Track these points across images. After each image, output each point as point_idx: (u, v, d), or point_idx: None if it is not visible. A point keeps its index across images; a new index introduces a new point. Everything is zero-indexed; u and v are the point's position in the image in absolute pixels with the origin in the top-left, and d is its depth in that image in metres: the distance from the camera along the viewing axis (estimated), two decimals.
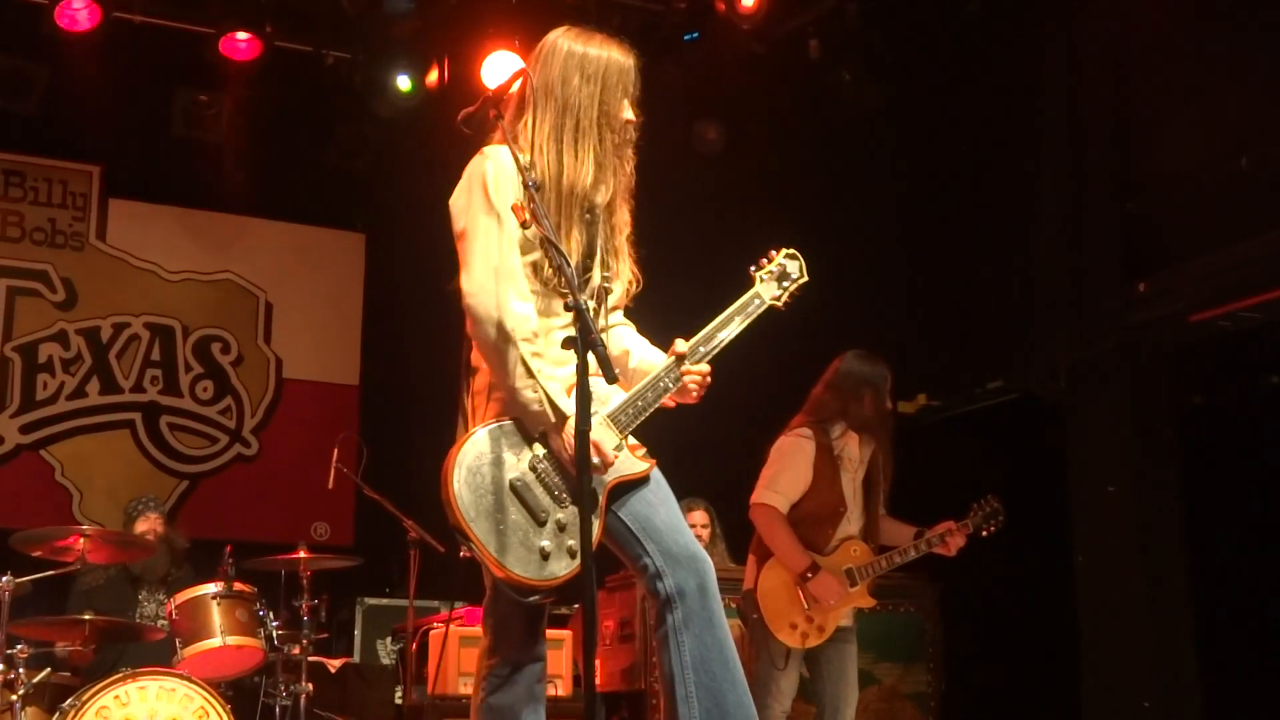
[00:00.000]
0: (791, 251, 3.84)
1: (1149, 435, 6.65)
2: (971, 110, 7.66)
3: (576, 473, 3.03)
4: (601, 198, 3.58)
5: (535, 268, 3.45)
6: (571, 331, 3.16)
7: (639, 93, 3.65)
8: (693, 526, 7.46)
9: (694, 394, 3.59)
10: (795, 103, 8.47)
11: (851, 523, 5.46)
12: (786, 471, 5.40)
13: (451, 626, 6.17)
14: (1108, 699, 6.56)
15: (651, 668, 6.38)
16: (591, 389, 3.28)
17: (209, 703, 5.74)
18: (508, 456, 3.32)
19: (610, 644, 6.65)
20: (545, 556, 3.25)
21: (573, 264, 3.38)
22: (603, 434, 3.32)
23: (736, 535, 7.74)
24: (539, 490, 3.31)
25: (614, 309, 3.73)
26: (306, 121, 8.50)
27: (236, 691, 6.09)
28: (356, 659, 7.17)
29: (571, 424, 3.21)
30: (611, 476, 3.39)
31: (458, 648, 6.24)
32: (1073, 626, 6.72)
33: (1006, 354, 7.37)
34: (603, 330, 3.58)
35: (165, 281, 8.93)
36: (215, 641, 5.95)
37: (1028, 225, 7.19)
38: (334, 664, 6.56)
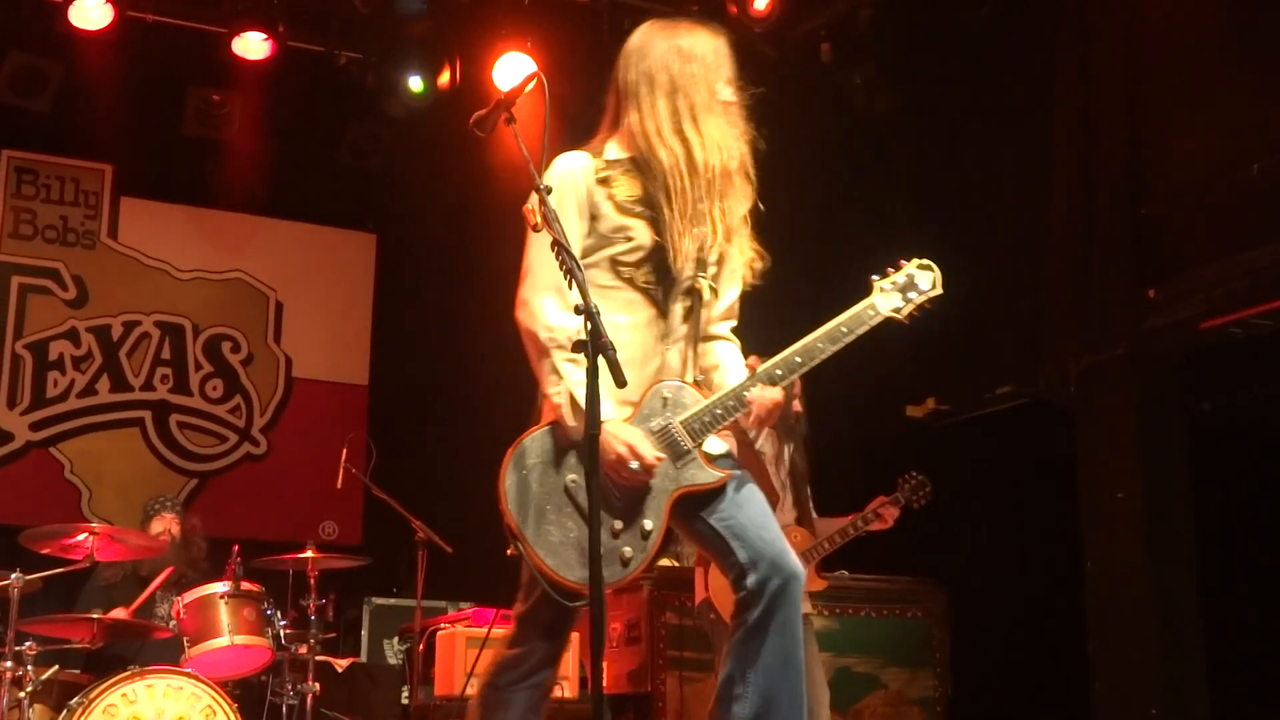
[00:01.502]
0: (925, 262, 3.73)
1: (1159, 442, 6.63)
2: (983, 115, 7.65)
3: (586, 474, 3.00)
4: (735, 169, 3.56)
5: (613, 262, 3.42)
6: (650, 328, 3.26)
7: (735, 71, 3.62)
8: None
9: (754, 419, 3.45)
10: (807, 106, 8.46)
11: (785, 512, 5.52)
12: None
13: (459, 627, 6.18)
14: (1116, 706, 6.54)
15: (659, 670, 6.39)
16: (673, 395, 3.34)
17: (216, 701, 5.75)
18: (566, 458, 3.29)
19: (617, 646, 6.64)
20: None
21: (699, 255, 3.43)
22: (634, 436, 3.26)
23: None
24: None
25: (722, 318, 3.68)
26: (318, 121, 8.52)
27: (244, 690, 6.10)
28: (364, 659, 7.16)
29: (610, 425, 3.20)
30: (677, 487, 3.32)
31: (465, 648, 6.25)
32: (1081, 633, 6.70)
33: (1016, 359, 7.37)
34: (700, 336, 3.55)
35: (176, 280, 8.94)
36: (223, 640, 5.95)
37: (1039, 230, 7.18)
38: (341, 664, 6.56)
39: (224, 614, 5.99)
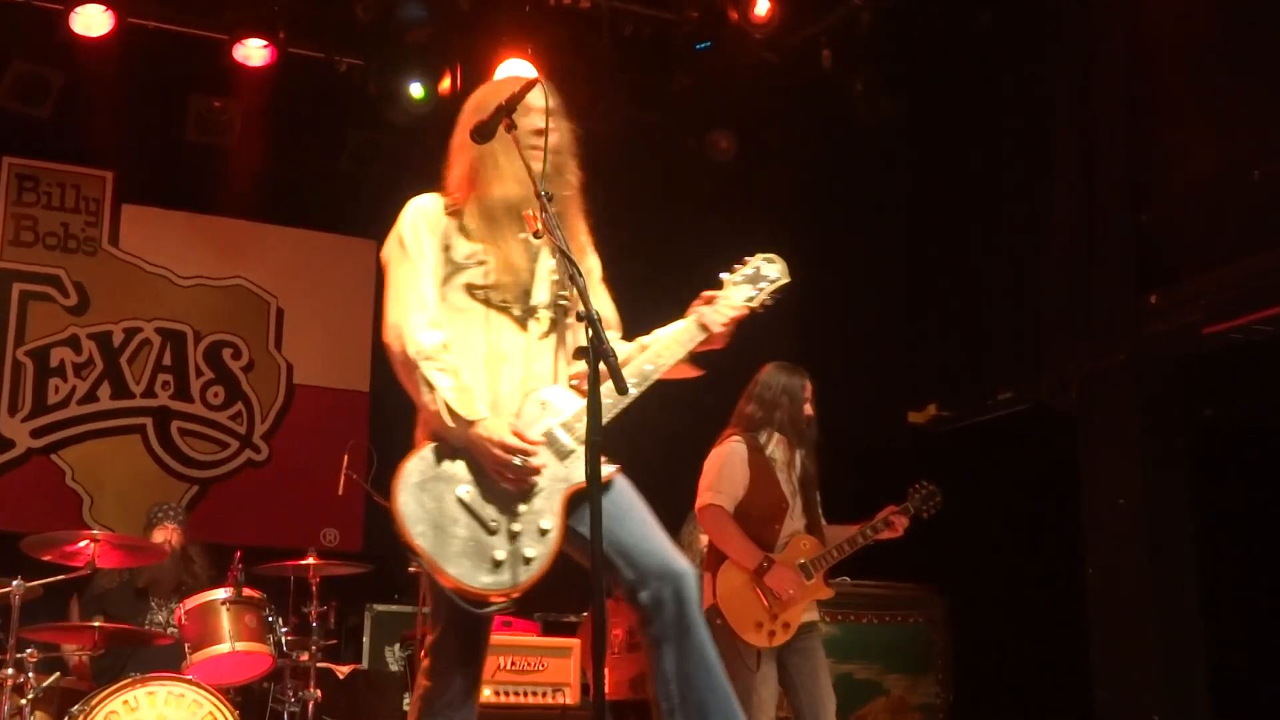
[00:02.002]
0: (770, 255, 3.81)
1: (1160, 447, 6.63)
2: (984, 121, 7.66)
3: (588, 484, 3.01)
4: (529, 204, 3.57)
5: (468, 287, 3.51)
6: (509, 344, 3.41)
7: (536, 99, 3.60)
8: (703, 542, 7.51)
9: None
10: (807, 112, 8.48)
11: (795, 519, 5.53)
12: (724, 474, 5.49)
13: None
14: (1117, 712, 6.54)
15: None
16: (550, 399, 3.43)
17: (217, 708, 5.74)
18: (454, 471, 3.35)
19: (618, 653, 6.65)
20: (497, 565, 3.26)
21: (552, 274, 3.53)
22: (501, 429, 3.32)
23: None
24: (487, 500, 3.32)
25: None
26: (319, 128, 8.52)
27: (245, 697, 6.09)
28: (365, 666, 7.15)
29: (481, 426, 3.30)
30: (568, 485, 3.38)
31: None
32: (1083, 639, 6.71)
33: (1018, 365, 7.37)
34: (574, 348, 3.63)
35: (177, 287, 8.94)
36: (224, 647, 5.95)
37: (1040, 236, 7.19)
38: (342, 670, 6.55)
39: (225, 620, 5.98)
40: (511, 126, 3.51)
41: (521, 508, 3.34)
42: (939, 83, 7.94)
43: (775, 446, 5.59)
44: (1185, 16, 6.59)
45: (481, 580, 3.24)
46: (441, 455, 3.37)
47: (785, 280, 3.80)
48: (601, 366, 3.06)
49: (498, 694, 6.42)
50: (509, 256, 3.51)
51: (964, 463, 7.50)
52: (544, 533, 3.32)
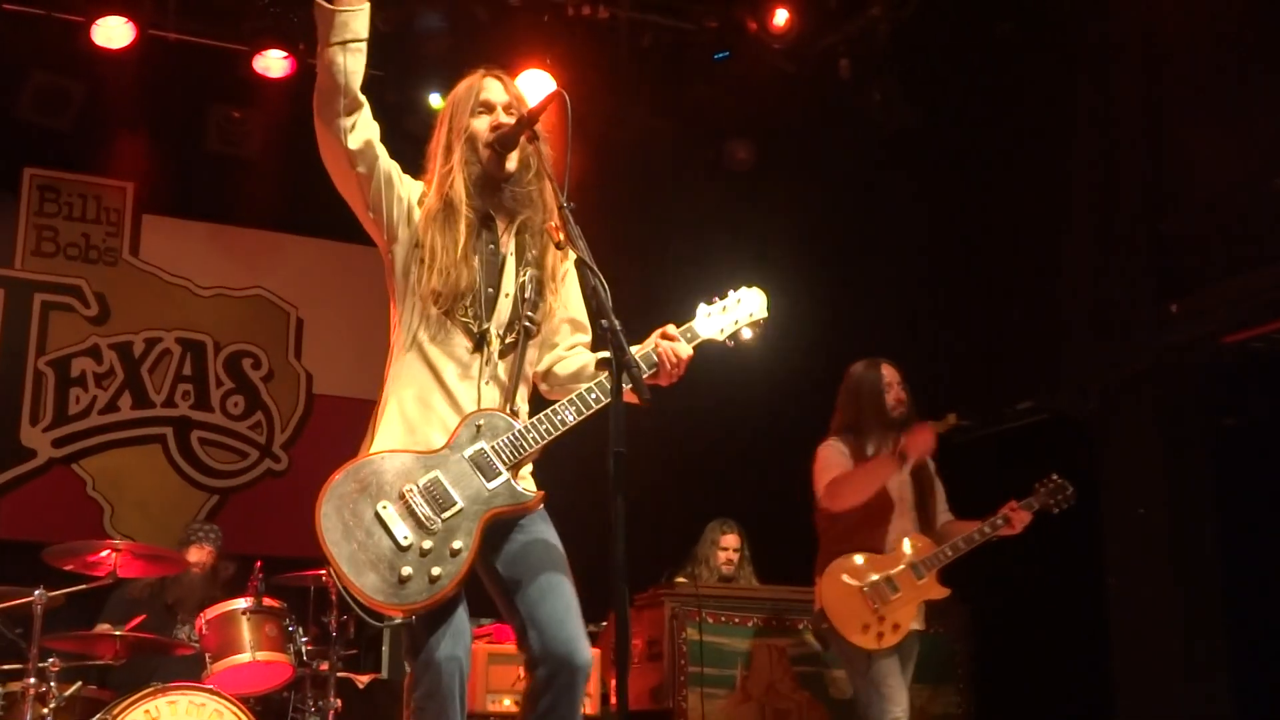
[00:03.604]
0: (752, 289, 3.82)
1: (1181, 457, 6.63)
2: (1003, 130, 7.66)
3: (611, 490, 3.04)
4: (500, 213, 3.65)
5: (433, 294, 3.54)
6: (467, 361, 3.48)
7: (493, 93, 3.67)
8: (725, 550, 7.53)
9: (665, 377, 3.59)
10: (826, 122, 8.48)
11: (904, 519, 5.52)
12: (833, 470, 5.48)
13: (480, 643, 6.18)
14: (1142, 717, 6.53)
15: (680, 686, 6.39)
16: (485, 423, 3.48)
17: (238, 717, 5.77)
18: (376, 487, 3.38)
19: (639, 663, 6.65)
20: (403, 581, 3.30)
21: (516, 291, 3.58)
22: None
23: (761, 558, 7.76)
24: (404, 518, 3.35)
25: (572, 334, 3.79)
26: None
27: (265, 707, 6.10)
28: (385, 675, 7.16)
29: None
30: (487, 509, 3.43)
31: (486, 664, 6.25)
32: (1105, 648, 6.69)
33: (1037, 374, 7.36)
34: (529, 367, 3.69)
35: (197, 297, 8.95)
36: (244, 657, 5.98)
37: (1060, 245, 7.18)
38: (362, 680, 6.56)
39: (246, 630, 6.02)
40: (535, 137, 3.54)
41: (436, 526, 3.36)
42: (957, 92, 7.93)
43: (878, 447, 5.56)
44: (1205, 24, 6.59)
45: (384, 594, 3.29)
46: (367, 471, 3.40)
47: (763, 316, 3.80)
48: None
49: (518, 704, 6.43)
50: (463, 260, 3.53)
51: (983, 472, 7.47)
52: (455, 553, 3.35)
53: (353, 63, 3.44)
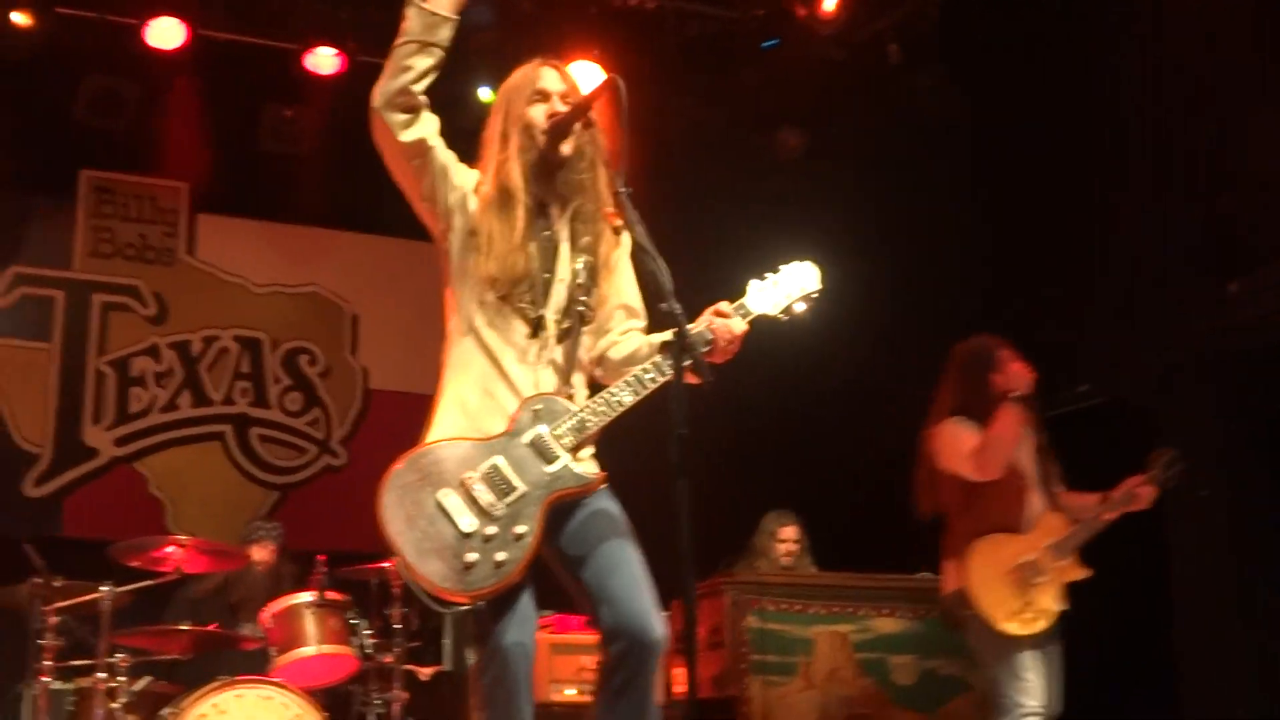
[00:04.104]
0: (804, 263, 3.82)
1: (1242, 438, 6.56)
2: (1054, 112, 7.60)
3: (674, 474, 3.05)
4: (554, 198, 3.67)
5: (490, 281, 3.56)
6: (525, 347, 3.49)
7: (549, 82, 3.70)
8: (784, 542, 7.52)
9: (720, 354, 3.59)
10: (875, 107, 8.45)
11: (1036, 494, 5.32)
12: (966, 441, 5.26)
13: (542, 634, 6.21)
14: (1203, 704, 6.48)
15: (742, 674, 6.40)
16: (544, 407, 3.48)
17: (305, 710, 5.82)
18: (437, 476, 3.39)
19: (700, 651, 6.65)
20: (468, 568, 3.31)
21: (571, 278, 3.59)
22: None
23: (824, 547, 7.76)
24: (466, 505, 3.36)
25: (626, 319, 3.80)
26: None
27: (331, 699, 6.14)
28: (447, 667, 7.20)
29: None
30: (549, 493, 3.43)
31: (549, 655, 6.30)
32: (1166, 630, 6.65)
33: (1095, 357, 7.31)
34: (588, 352, 3.70)
35: (253, 295, 9.03)
36: (310, 650, 6.03)
37: (1115, 227, 7.13)
38: (425, 672, 6.59)
39: (310, 624, 6.07)
40: (589, 124, 3.56)
41: (499, 512, 3.37)
42: (1006, 74, 7.88)
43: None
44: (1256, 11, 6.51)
45: (450, 581, 3.30)
46: (427, 460, 3.42)
47: (816, 289, 3.79)
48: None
49: (582, 693, 6.48)
50: (520, 248, 3.55)
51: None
52: (519, 538, 3.36)
53: (427, 65, 3.51)
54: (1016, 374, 5.17)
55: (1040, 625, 5.14)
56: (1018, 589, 5.14)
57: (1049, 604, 5.18)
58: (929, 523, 7.68)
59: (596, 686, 3.50)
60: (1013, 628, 5.10)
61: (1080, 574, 5.27)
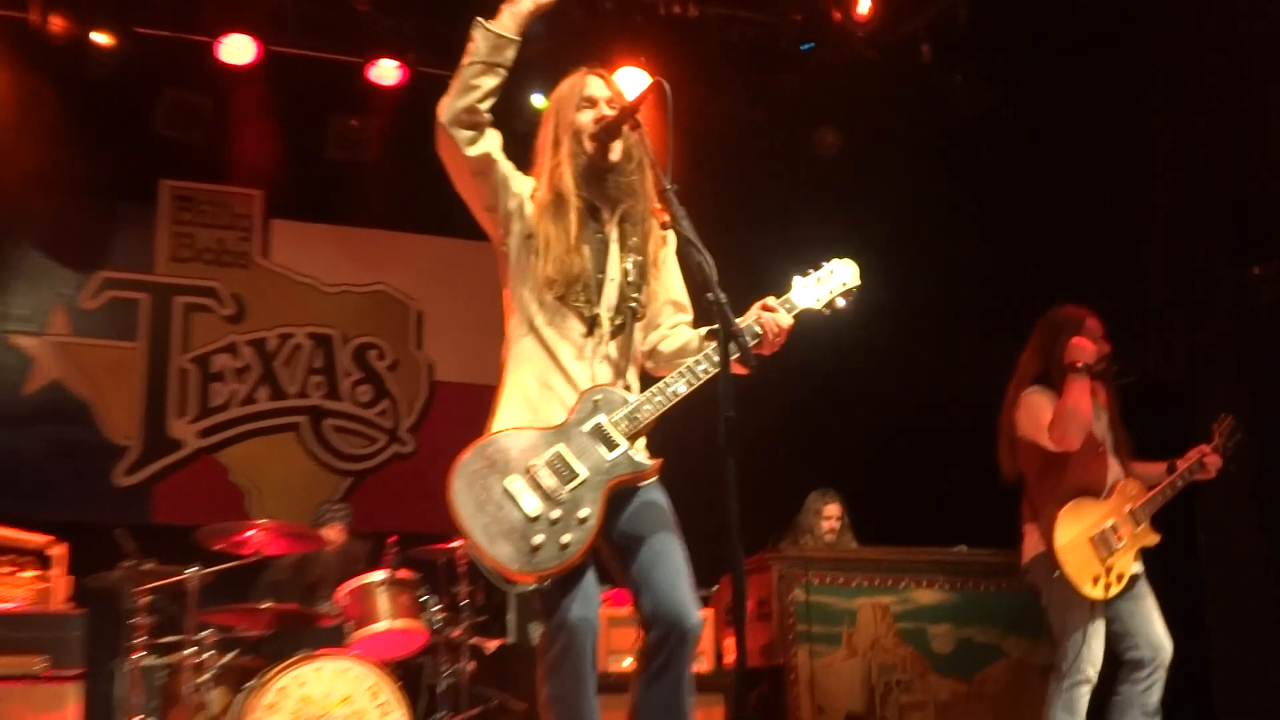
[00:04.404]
0: (844, 260, 3.83)
1: (1269, 415, 6.50)
2: (1083, 101, 7.54)
3: (721, 454, 3.08)
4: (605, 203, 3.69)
5: (547, 282, 3.57)
6: (582, 342, 3.51)
7: (596, 89, 3.72)
8: (828, 519, 7.53)
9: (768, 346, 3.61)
10: (908, 105, 8.42)
11: (1112, 461, 5.25)
12: (1046, 411, 5.15)
13: (601, 608, 6.24)
14: (1234, 673, 6.44)
15: (789, 644, 6.42)
16: (603, 398, 3.50)
17: (380, 681, 5.89)
18: (503, 463, 3.41)
19: (749, 622, 6.67)
20: (535, 550, 3.32)
21: (622, 277, 3.61)
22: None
23: (865, 523, 7.76)
24: (532, 490, 3.38)
25: (674, 314, 3.82)
26: None
27: (403, 671, 6.16)
28: (511, 640, 7.25)
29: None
30: (610, 479, 3.45)
31: (607, 627, 6.32)
32: (1196, 601, 6.60)
33: (1123, 338, 7.25)
34: (640, 345, 3.72)
35: (324, 294, 9.09)
36: (383, 625, 6.07)
37: (1142, 210, 7.07)
38: (491, 645, 6.64)
39: (383, 600, 6.11)
40: (636, 126, 3.59)
41: (562, 497, 3.39)
42: (1037, 67, 7.83)
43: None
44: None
45: (519, 563, 3.32)
46: (493, 449, 3.44)
47: (856, 285, 3.80)
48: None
49: (626, 666, 6.51)
50: (574, 250, 3.57)
51: None
52: (582, 521, 3.37)
53: (492, 85, 3.53)
54: (1077, 346, 5.12)
55: (1116, 590, 5.08)
56: (1100, 553, 5.09)
57: (1126, 568, 5.13)
58: (963, 499, 7.69)
59: (635, 668, 3.51)
60: (1096, 592, 5.04)
61: (1154, 539, 5.23)
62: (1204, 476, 5.32)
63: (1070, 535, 5.08)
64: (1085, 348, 5.12)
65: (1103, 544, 5.09)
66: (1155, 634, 5.18)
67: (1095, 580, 5.05)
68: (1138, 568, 5.21)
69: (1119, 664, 5.19)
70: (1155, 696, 5.14)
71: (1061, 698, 5.06)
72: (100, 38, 7.61)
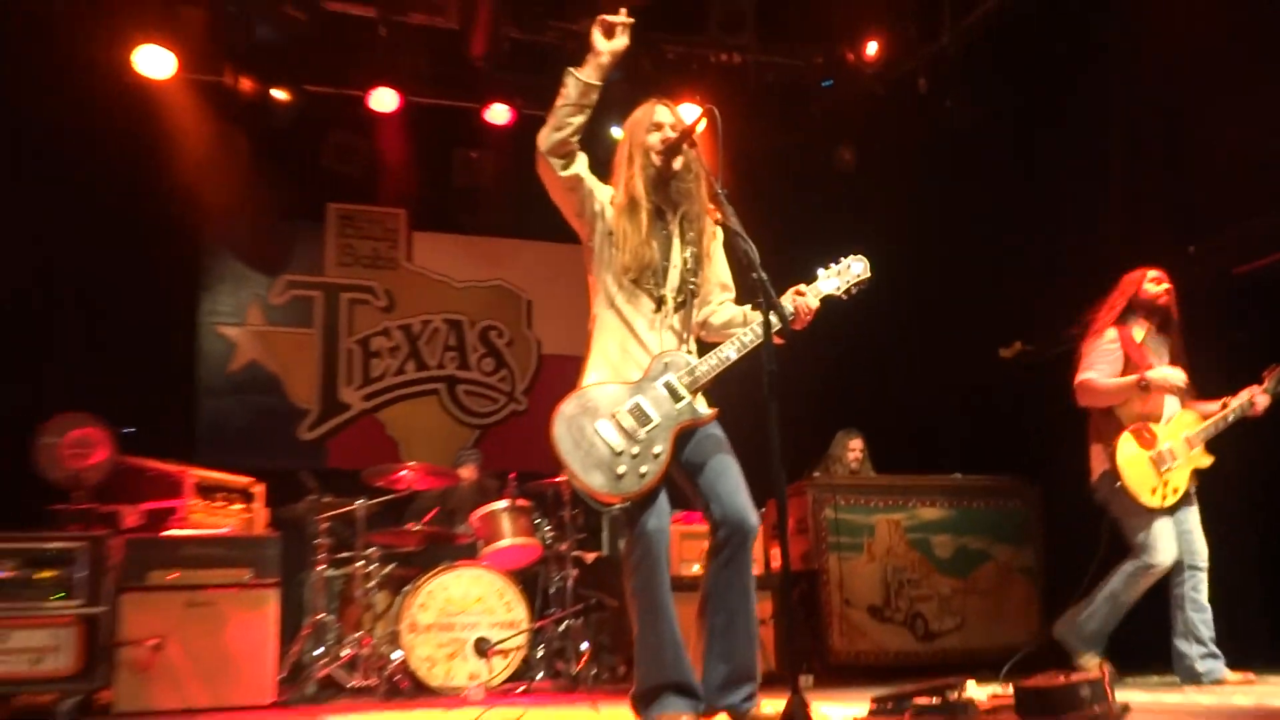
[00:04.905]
0: (858, 256, 3.78)
1: (1202, 365, 6.33)
2: (1048, 113, 7.38)
3: (765, 399, 3.07)
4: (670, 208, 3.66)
5: (624, 269, 3.56)
6: (652, 316, 3.50)
7: (662, 116, 3.70)
8: (852, 451, 7.48)
9: (801, 323, 3.59)
10: (910, 126, 8.30)
11: (1171, 394, 5.06)
12: (1098, 357, 5.06)
13: (673, 526, 6.24)
14: None
15: (822, 552, 6.39)
16: (671, 360, 3.50)
17: (505, 585, 5.95)
18: (593, 410, 3.42)
19: (791, 536, 6.65)
20: (620, 478, 3.33)
21: (683, 264, 3.60)
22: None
23: (881, 456, 7.69)
24: (616, 431, 3.38)
25: (721, 293, 3.78)
26: None
27: (523, 577, 6.23)
28: (605, 553, 7.30)
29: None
30: (676, 423, 3.45)
31: (679, 540, 6.35)
32: None
33: (1084, 308, 7.11)
34: (699, 317, 3.69)
35: (455, 289, 9.11)
36: (506, 541, 6.13)
37: (1098, 203, 6.93)
38: (589, 557, 6.70)
39: (506, 522, 6.17)
40: (693, 145, 3.57)
41: (640, 436, 3.39)
42: (1014, 94, 7.67)
43: (1147, 334, 5.12)
44: (1214, 21, 6.24)
45: (608, 488, 3.34)
46: (585, 399, 3.45)
47: (868, 276, 3.77)
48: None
49: (694, 571, 6.52)
50: (646, 243, 3.56)
51: (1044, 389, 7.28)
52: (656, 456, 3.39)
53: (580, 121, 3.53)
54: (1158, 382, 4.92)
55: (1172, 500, 4.94)
56: (1157, 470, 4.94)
57: (1181, 483, 4.98)
58: (959, 436, 7.57)
59: (706, 561, 3.51)
60: (1154, 501, 4.92)
61: (1208, 460, 5.05)
62: (1254, 414, 5.12)
63: (1131, 454, 4.95)
64: (1164, 384, 4.95)
65: (1159, 462, 4.94)
66: (1196, 542, 5.01)
67: (1153, 491, 4.92)
68: (1191, 485, 5.03)
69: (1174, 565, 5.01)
70: (1203, 594, 4.99)
71: (1125, 573, 4.94)
72: (279, 94, 7.70)
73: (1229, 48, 6.11)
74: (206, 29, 7.27)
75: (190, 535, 5.51)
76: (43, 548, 5.08)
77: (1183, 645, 4.95)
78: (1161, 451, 4.98)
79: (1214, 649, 4.93)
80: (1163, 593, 5.08)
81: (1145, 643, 5.19)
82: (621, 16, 3.48)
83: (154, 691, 5.12)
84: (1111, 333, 5.12)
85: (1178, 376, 4.97)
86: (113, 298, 7.59)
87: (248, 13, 7.16)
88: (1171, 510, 4.97)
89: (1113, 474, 4.95)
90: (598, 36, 3.51)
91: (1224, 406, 5.09)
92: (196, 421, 8.17)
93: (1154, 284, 5.18)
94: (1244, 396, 5.09)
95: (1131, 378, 4.97)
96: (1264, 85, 5.85)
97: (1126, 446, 4.98)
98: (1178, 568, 5.01)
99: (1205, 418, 5.08)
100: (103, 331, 7.52)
